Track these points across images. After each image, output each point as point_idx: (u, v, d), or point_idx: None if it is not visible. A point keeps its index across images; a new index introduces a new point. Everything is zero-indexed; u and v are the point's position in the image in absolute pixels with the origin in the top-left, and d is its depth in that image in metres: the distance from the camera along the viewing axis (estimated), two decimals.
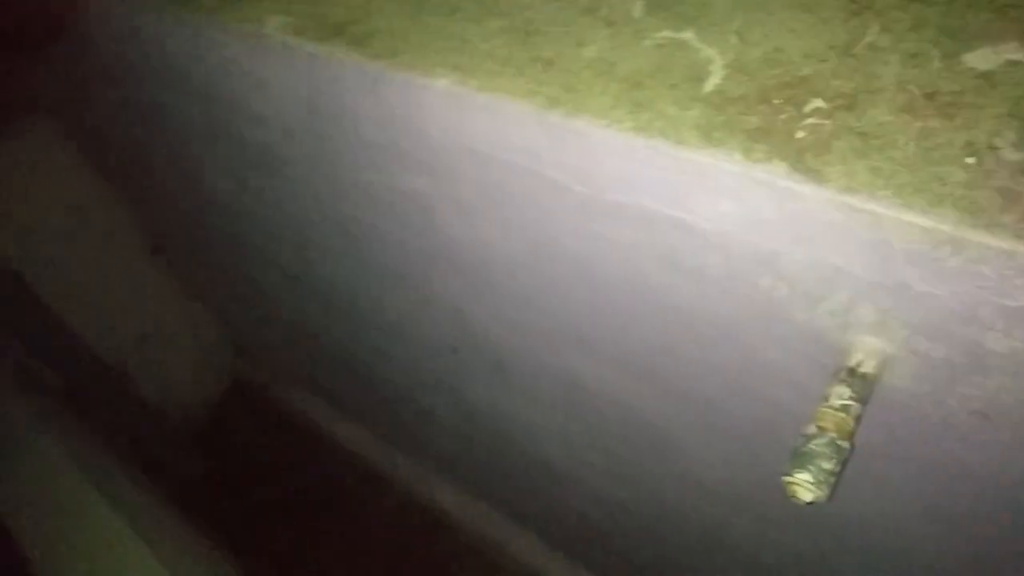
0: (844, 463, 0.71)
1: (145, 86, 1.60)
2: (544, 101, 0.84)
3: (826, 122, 0.70)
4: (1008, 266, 0.59)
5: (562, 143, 0.85)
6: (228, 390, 3.31)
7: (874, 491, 0.98)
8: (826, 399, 0.73)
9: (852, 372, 0.74)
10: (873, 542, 1.10)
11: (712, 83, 0.78)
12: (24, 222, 2.35)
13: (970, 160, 0.63)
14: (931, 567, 1.05)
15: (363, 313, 1.87)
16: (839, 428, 0.71)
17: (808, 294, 0.77)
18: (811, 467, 0.70)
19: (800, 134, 0.70)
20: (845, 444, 0.71)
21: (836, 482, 0.71)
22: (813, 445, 0.71)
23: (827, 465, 0.70)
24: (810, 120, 0.71)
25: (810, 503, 0.72)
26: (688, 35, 0.84)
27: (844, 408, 0.72)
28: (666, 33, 0.85)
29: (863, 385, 0.73)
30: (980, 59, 0.69)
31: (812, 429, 0.72)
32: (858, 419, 0.73)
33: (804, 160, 0.69)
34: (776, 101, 0.74)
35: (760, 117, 0.73)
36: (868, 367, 0.74)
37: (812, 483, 0.70)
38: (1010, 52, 0.69)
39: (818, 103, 0.72)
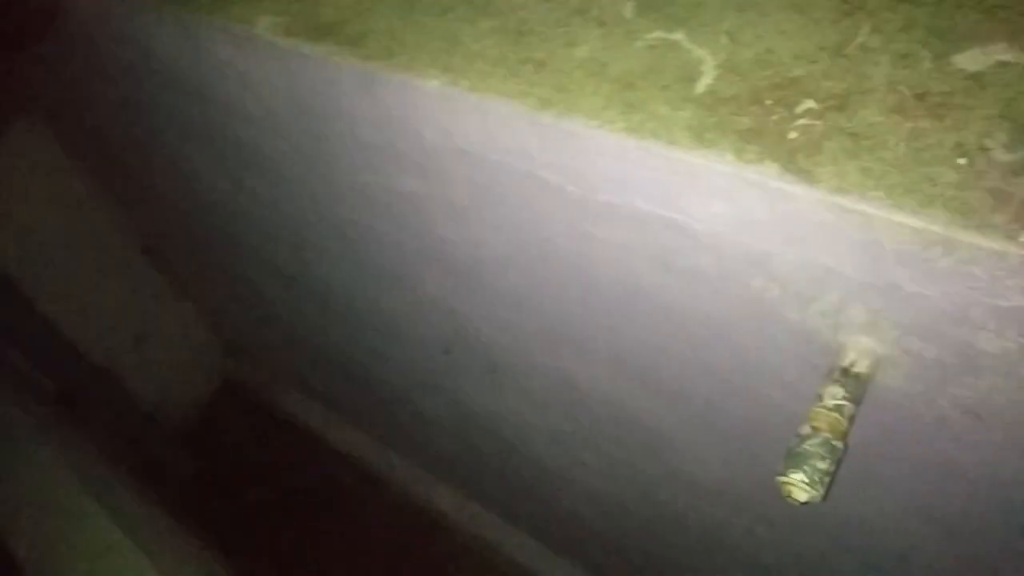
0: (838, 463, 0.72)
1: (139, 87, 1.59)
2: (536, 102, 0.84)
3: (817, 123, 0.70)
4: (999, 267, 0.59)
5: (554, 144, 0.85)
6: (220, 391, 3.30)
7: (868, 491, 0.98)
8: (820, 399, 0.74)
9: (845, 372, 0.74)
10: (869, 541, 1.11)
11: (704, 84, 0.78)
12: (17, 223, 2.33)
13: (961, 161, 0.63)
14: (928, 566, 1.05)
15: (357, 314, 1.87)
16: (833, 428, 0.72)
17: (800, 295, 0.77)
18: (806, 467, 0.70)
19: (792, 135, 0.70)
20: (839, 444, 0.72)
21: (831, 482, 0.71)
22: (807, 445, 0.71)
23: (822, 465, 0.70)
24: (801, 121, 0.71)
25: (805, 503, 0.72)
26: (679, 36, 0.84)
27: (838, 408, 0.72)
28: (657, 34, 0.85)
29: (856, 385, 0.73)
30: (970, 60, 0.69)
31: (806, 429, 0.73)
32: (852, 419, 0.73)
33: (795, 161, 0.69)
34: (767, 102, 0.74)
35: (752, 118, 0.73)
36: (861, 367, 0.74)
37: (807, 483, 0.70)
38: (999, 53, 0.69)
39: (809, 104, 0.72)
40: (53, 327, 2.48)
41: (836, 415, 0.72)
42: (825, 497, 0.71)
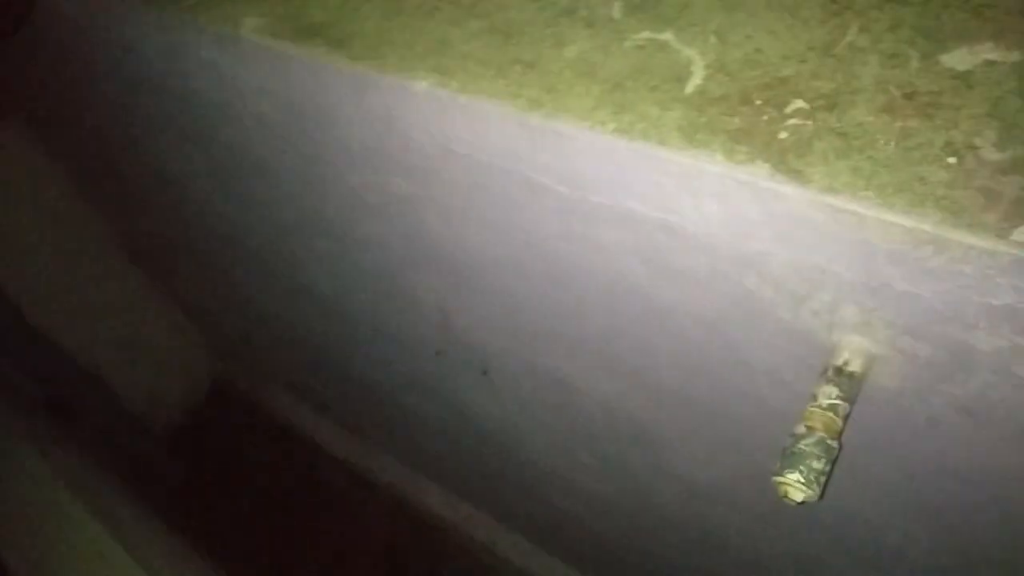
0: (834, 462, 0.72)
1: (122, 90, 1.58)
2: (525, 103, 0.83)
3: (807, 123, 0.71)
4: (990, 265, 0.59)
5: (544, 145, 0.85)
6: (211, 395, 3.28)
7: (862, 489, 0.99)
8: (814, 398, 0.74)
9: (839, 371, 0.74)
10: (864, 539, 1.11)
11: (693, 84, 0.78)
12: (1, 229, 2.31)
13: (951, 160, 0.63)
14: (925, 564, 1.06)
15: (348, 315, 1.86)
16: (828, 427, 0.72)
17: (793, 294, 0.77)
18: (802, 467, 0.70)
19: (782, 135, 0.71)
20: (834, 443, 0.72)
21: (827, 481, 0.71)
22: (803, 445, 0.71)
23: (817, 464, 0.71)
24: (791, 121, 0.71)
25: (801, 503, 0.72)
26: (668, 36, 0.84)
27: (832, 407, 0.72)
28: (646, 34, 0.85)
29: (850, 384, 0.74)
30: (957, 59, 0.70)
31: (801, 429, 0.73)
32: (846, 418, 0.73)
33: (786, 161, 0.69)
34: (757, 102, 0.74)
35: (742, 118, 0.73)
36: (855, 366, 0.74)
37: (803, 483, 0.70)
38: (986, 52, 0.69)
39: (799, 104, 0.72)
40: (41, 333, 2.45)
41: (831, 414, 0.72)
42: (821, 496, 0.71)
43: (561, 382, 1.35)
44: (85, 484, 1.99)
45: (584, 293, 1.06)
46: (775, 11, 0.81)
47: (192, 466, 3.08)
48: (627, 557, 1.97)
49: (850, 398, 0.73)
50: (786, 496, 0.72)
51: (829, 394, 0.73)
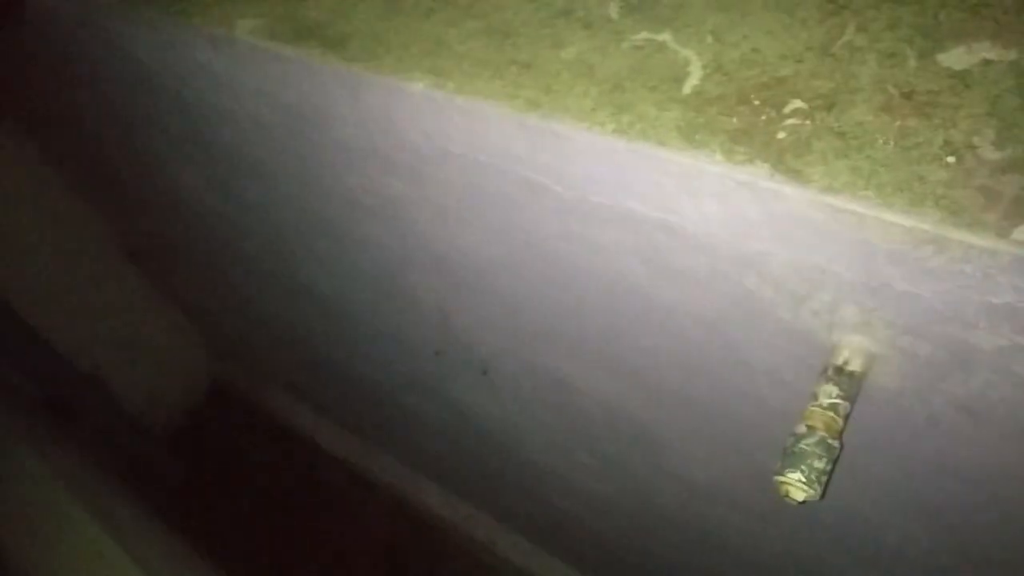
0: (835, 461, 0.72)
1: (119, 91, 1.57)
2: (523, 104, 0.83)
3: (806, 122, 0.70)
4: (991, 264, 0.59)
5: (543, 145, 0.85)
6: (210, 395, 3.28)
7: (863, 488, 0.99)
8: (815, 398, 0.74)
9: (839, 370, 0.74)
10: (864, 538, 1.12)
11: (691, 84, 0.78)
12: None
13: (950, 159, 0.63)
14: (925, 563, 1.06)
15: (346, 316, 1.86)
16: (828, 427, 0.72)
17: (793, 294, 0.77)
18: (803, 466, 0.70)
19: (780, 135, 0.70)
20: (835, 443, 0.72)
21: (828, 480, 0.71)
22: (804, 444, 0.71)
23: (818, 464, 0.71)
24: (790, 121, 0.71)
25: (802, 502, 0.72)
26: (665, 36, 0.84)
27: (833, 407, 0.72)
28: (643, 35, 0.85)
29: (850, 383, 0.74)
30: (955, 58, 0.69)
31: (802, 428, 0.73)
32: (847, 417, 0.73)
33: (785, 161, 0.69)
34: (756, 102, 0.74)
35: (740, 118, 0.73)
36: (855, 365, 0.74)
37: (804, 482, 0.70)
38: (984, 51, 0.69)
39: (797, 103, 0.72)
40: (39, 334, 2.45)
41: (831, 414, 0.72)
42: (822, 496, 0.71)
43: (561, 382, 1.35)
44: (84, 484, 1.99)
45: (584, 293, 1.06)
46: (772, 11, 0.81)
47: (192, 466, 3.08)
48: (627, 557, 1.97)
49: (850, 397, 0.73)
50: (787, 495, 0.72)
51: (830, 393, 0.73)
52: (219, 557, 2.26)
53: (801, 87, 0.73)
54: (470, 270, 1.24)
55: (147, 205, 2.17)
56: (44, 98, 1.95)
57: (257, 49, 1.07)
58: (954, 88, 0.68)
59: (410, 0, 1.02)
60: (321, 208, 1.42)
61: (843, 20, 0.77)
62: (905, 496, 0.95)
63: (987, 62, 0.68)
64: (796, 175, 0.67)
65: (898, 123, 0.67)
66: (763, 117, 0.72)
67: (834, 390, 0.73)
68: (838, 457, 0.72)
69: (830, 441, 0.71)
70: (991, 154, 0.62)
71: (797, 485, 0.70)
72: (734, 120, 0.73)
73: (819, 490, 0.71)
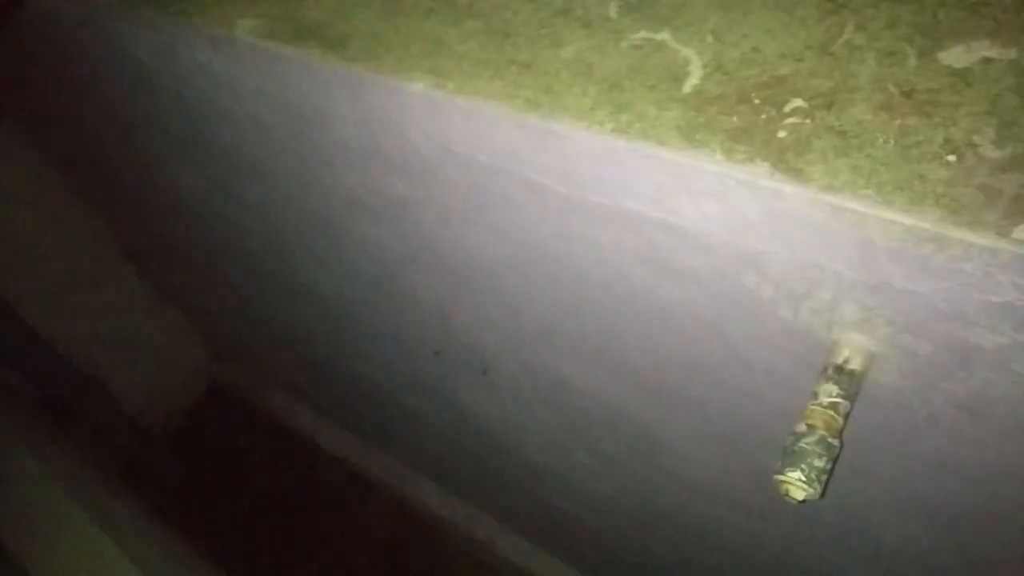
0: (835, 460, 0.72)
1: (119, 91, 1.57)
2: (523, 103, 0.83)
3: (806, 121, 0.70)
4: (991, 262, 0.59)
5: (543, 145, 0.85)
6: (210, 395, 3.28)
7: (863, 486, 0.99)
8: (815, 396, 0.74)
9: (839, 369, 0.74)
10: (864, 536, 1.12)
11: (691, 84, 0.78)
12: None
13: (950, 158, 0.63)
14: (924, 562, 1.06)
15: (346, 316, 1.86)
16: (828, 425, 0.72)
17: (793, 293, 0.77)
18: (803, 465, 0.70)
19: (781, 134, 0.70)
20: (835, 441, 0.72)
21: (828, 479, 0.71)
22: (804, 443, 0.71)
23: (819, 463, 0.71)
24: (790, 120, 0.71)
25: (803, 501, 0.72)
26: (665, 36, 0.84)
27: (833, 405, 0.72)
28: (643, 34, 0.85)
29: (850, 382, 0.74)
30: (954, 57, 0.69)
31: (802, 427, 0.73)
32: (847, 416, 0.73)
33: (785, 160, 0.69)
34: (756, 101, 0.74)
35: (740, 117, 0.73)
36: (855, 364, 0.74)
37: (804, 481, 0.70)
38: (983, 50, 0.69)
39: (797, 102, 0.72)
40: (39, 334, 2.45)
41: (831, 412, 0.72)
42: (823, 495, 0.71)
43: (561, 382, 1.35)
44: (84, 484, 1.99)
45: (583, 293, 1.06)
46: (771, 10, 0.81)
47: (191, 466, 3.08)
48: (627, 557, 1.97)
49: (850, 396, 0.73)
50: (787, 494, 0.72)
51: (830, 392, 0.73)
52: (219, 557, 2.26)
53: (801, 86, 0.73)
54: (470, 270, 1.24)
55: (147, 205, 2.17)
56: (44, 98, 1.95)
57: (257, 49, 1.07)
58: (954, 86, 0.68)
59: (410, 0, 1.02)
60: (321, 208, 1.42)
61: (842, 19, 0.77)
62: (905, 495, 0.95)
63: (987, 60, 0.68)
64: (796, 174, 0.67)
65: (898, 121, 0.67)
66: (763, 116, 0.72)
67: (834, 389, 0.73)
68: (838, 456, 0.72)
69: (830, 440, 0.71)
70: (991, 152, 0.62)
71: (797, 484, 0.70)
72: (734, 119, 0.73)
73: (819, 489, 0.71)
